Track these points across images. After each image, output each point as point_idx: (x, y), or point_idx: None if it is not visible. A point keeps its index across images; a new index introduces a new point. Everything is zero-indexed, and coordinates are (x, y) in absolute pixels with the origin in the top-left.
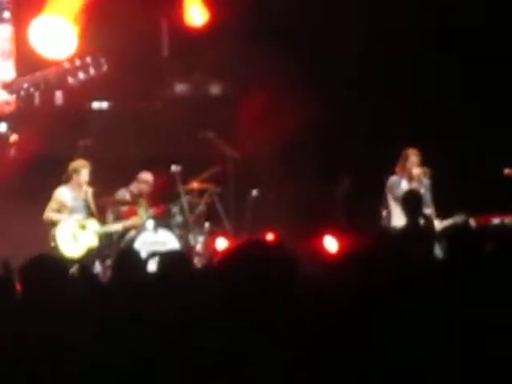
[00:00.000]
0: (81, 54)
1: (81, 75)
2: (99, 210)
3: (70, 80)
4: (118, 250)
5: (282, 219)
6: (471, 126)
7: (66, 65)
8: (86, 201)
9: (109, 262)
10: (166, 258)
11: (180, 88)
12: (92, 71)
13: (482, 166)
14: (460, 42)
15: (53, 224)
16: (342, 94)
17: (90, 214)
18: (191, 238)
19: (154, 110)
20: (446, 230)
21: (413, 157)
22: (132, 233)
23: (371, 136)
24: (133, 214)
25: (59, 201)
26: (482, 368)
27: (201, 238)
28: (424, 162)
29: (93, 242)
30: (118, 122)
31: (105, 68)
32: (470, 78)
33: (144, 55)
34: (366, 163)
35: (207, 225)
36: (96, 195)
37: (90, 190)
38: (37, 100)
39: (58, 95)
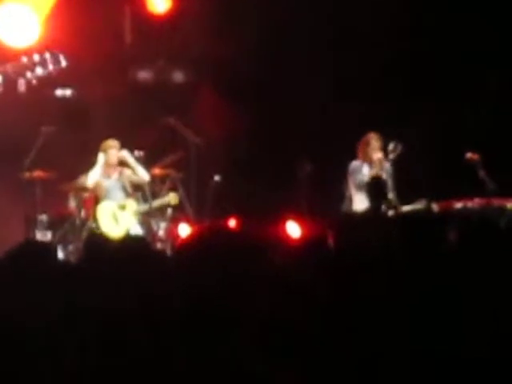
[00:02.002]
0: (42, 43)
1: (39, 70)
2: (62, 196)
3: (29, 75)
4: (88, 234)
5: (244, 205)
6: (432, 111)
7: (24, 60)
8: (121, 181)
9: (71, 247)
10: (127, 243)
11: (143, 75)
12: (51, 67)
13: (443, 150)
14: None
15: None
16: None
17: (128, 194)
18: (154, 223)
19: (117, 96)
20: (408, 217)
21: (374, 142)
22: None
23: (333, 118)
24: (94, 200)
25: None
26: (434, 365)
27: (163, 224)
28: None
29: (132, 221)
30: (81, 108)
31: (63, 64)
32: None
33: (107, 42)
34: (328, 146)
35: (169, 211)
36: (58, 181)
37: (125, 170)
38: None
39: (21, 83)
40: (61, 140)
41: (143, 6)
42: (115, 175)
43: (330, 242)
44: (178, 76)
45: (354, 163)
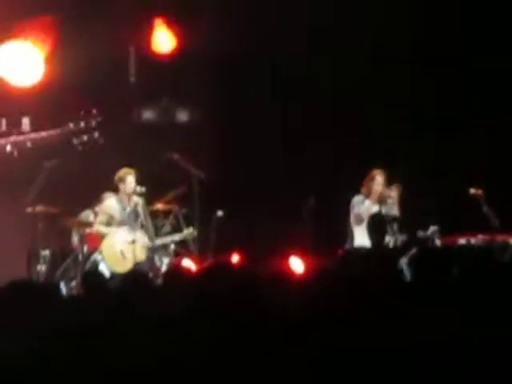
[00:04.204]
0: (46, 82)
1: (84, 137)
2: (64, 231)
3: (75, 141)
4: (83, 273)
5: (247, 240)
6: (438, 147)
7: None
8: (135, 212)
9: (74, 283)
10: (128, 278)
11: (147, 114)
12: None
13: (448, 185)
14: None
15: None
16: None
17: (140, 226)
18: (157, 259)
19: (121, 133)
20: (412, 253)
21: (378, 177)
22: (97, 254)
23: (337, 156)
24: (97, 236)
25: (107, 213)
26: None
27: (166, 260)
28: (391, 181)
29: (141, 256)
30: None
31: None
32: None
33: (112, 81)
34: (332, 182)
35: (172, 246)
36: (60, 216)
37: (140, 200)
38: (3, 125)
39: (25, 121)
40: (64, 175)
41: (148, 45)
42: (131, 204)
43: (333, 277)
44: (182, 115)
45: (357, 197)
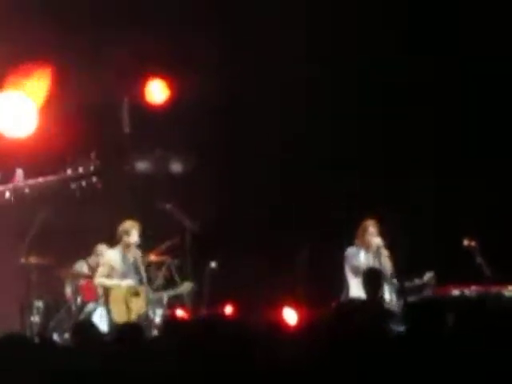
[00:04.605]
0: (40, 133)
1: (83, 183)
2: (57, 282)
3: (73, 186)
4: (75, 323)
5: (241, 291)
6: (430, 196)
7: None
8: (135, 264)
9: (67, 335)
10: (121, 330)
11: (140, 165)
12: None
13: (441, 236)
14: None
15: (105, 289)
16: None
17: (141, 280)
18: (150, 310)
19: (114, 184)
20: (408, 307)
21: (371, 228)
22: (90, 305)
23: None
24: (90, 287)
25: (109, 265)
26: None
27: (159, 311)
28: (383, 233)
29: (143, 308)
30: (76, 199)
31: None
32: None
33: (106, 131)
34: (325, 232)
35: (165, 297)
36: (53, 267)
37: (139, 254)
38: None
39: (19, 173)
40: (56, 225)
41: (141, 96)
42: (131, 256)
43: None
44: (175, 165)
45: (350, 249)
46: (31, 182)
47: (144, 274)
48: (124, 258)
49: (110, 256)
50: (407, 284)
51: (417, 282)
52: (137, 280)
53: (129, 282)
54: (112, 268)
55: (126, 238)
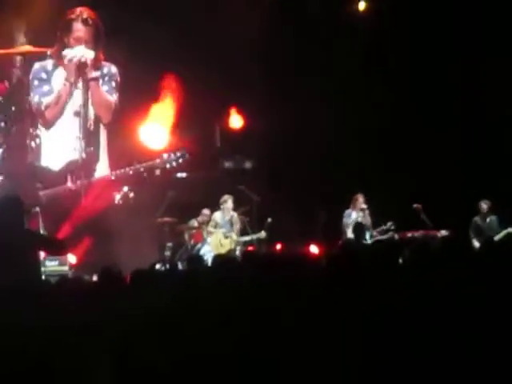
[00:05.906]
0: (171, 145)
1: (174, 163)
2: (178, 234)
3: (168, 166)
4: (189, 255)
5: (286, 236)
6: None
7: (165, 156)
8: (231, 221)
9: (185, 264)
10: (216, 259)
11: (227, 164)
12: (180, 160)
13: (400, 203)
14: None
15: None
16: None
17: (232, 230)
18: (235, 247)
19: (210, 177)
20: (380, 244)
21: (360, 198)
22: (199, 245)
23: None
24: (199, 234)
25: (215, 221)
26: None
27: (240, 248)
28: (367, 201)
29: (231, 246)
30: (190, 184)
31: (187, 157)
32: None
33: (205, 145)
34: (335, 202)
35: (244, 240)
36: (177, 223)
37: (235, 214)
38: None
39: (158, 172)
40: (179, 199)
41: (226, 124)
42: (228, 216)
43: (336, 257)
44: (247, 164)
45: (347, 211)
46: (150, 163)
47: (235, 226)
48: (223, 217)
49: (215, 215)
50: (377, 229)
51: (383, 227)
52: (229, 229)
53: (223, 230)
54: (216, 222)
55: (224, 205)
